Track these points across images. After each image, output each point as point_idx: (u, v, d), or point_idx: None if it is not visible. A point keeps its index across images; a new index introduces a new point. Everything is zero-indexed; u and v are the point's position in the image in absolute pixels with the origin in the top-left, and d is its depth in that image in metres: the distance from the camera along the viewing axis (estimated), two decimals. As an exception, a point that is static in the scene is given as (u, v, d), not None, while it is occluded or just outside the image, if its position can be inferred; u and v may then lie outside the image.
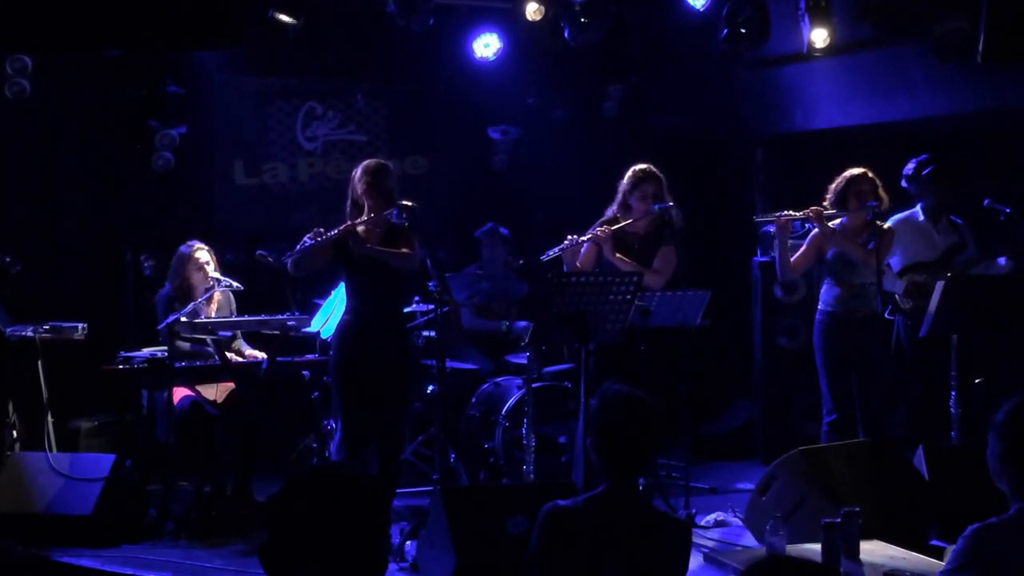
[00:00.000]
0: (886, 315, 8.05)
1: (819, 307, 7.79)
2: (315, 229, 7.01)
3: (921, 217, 8.21)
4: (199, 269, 7.81)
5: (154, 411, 7.68)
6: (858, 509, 5.12)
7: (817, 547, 5.06)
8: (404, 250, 7.10)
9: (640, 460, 4.32)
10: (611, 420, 4.28)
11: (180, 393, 7.66)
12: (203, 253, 7.86)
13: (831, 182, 7.78)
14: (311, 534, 2.86)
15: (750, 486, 8.45)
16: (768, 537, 4.99)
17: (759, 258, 9.60)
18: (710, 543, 6.98)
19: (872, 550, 5.24)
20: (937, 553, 5.66)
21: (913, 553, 5.31)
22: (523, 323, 9.18)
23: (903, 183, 8.26)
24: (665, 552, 4.34)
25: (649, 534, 4.29)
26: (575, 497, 4.43)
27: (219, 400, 7.78)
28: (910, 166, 8.25)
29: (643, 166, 7.58)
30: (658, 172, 7.56)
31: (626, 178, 7.59)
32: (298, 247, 7.03)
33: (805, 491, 6.35)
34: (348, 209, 7.27)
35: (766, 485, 6.61)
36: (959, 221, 8.21)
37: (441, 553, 5.87)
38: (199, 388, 7.76)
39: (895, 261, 8.15)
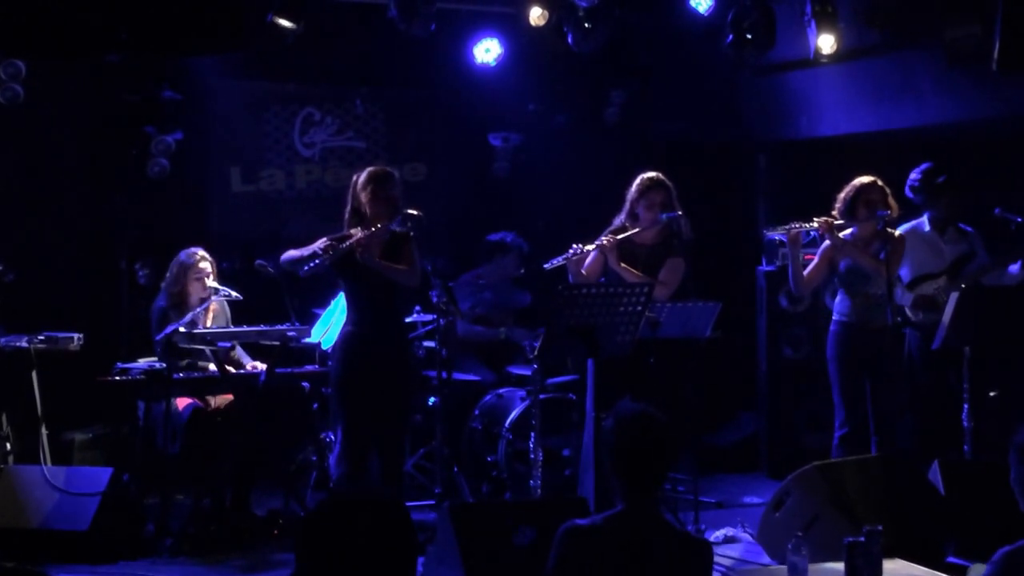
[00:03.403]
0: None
1: (833, 317, 7.67)
2: (327, 242, 6.87)
3: (927, 227, 8.10)
4: (198, 278, 7.66)
5: (152, 423, 7.53)
6: (881, 528, 4.98)
7: (839, 566, 4.94)
8: (407, 266, 7.00)
9: (657, 477, 4.28)
10: (625, 439, 4.24)
11: (183, 401, 7.53)
12: (205, 263, 7.71)
13: (836, 190, 7.68)
14: (339, 565, 2.72)
15: (757, 500, 8.40)
16: (790, 556, 4.84)
17: (764, 267, 9.47)
18: (724, 561, 6.85)
19: (894, 569, 5.10)
20: (956, 571, 5.55)
21: (936, 573, 5.19)
22: (522, 331, 9.05)
23: (908, 193, 8.15)
24: (686, 572, 4.26)
25: (670, 553, 4.24)
26: (593, 516, 4.33)
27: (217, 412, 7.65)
28: (914, 176, 8.14)
29: (651, 174, 7.45)
30: (666, 180, 7.42)
31: (634, 187, 7.46)
32: (312, 264, 6.87)
33: (820, 507, 6.24)
34: (347, 217, 7.15)
35: (779, 501, 6.49)
36: (969, 229, 8.10)
37: (450, 571, 5.74)
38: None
39: (904, 273, 8.03)
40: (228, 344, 7.60)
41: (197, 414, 7.46)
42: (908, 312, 7.98)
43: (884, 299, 7.42)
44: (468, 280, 9.11)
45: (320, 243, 6.93)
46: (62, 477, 7.26)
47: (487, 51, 9.21)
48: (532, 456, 7.00)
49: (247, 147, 9.91)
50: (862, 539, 4.87)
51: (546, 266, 7.28)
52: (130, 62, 8.68)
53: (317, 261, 6.86)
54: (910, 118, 8.94)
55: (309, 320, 8.08)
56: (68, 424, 8.47)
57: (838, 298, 7.67)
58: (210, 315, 7.80)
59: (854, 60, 8.94)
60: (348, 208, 7.16)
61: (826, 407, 7.83)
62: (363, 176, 7.09)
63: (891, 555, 5.22)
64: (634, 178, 7.53)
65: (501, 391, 8.57)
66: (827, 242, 7.55)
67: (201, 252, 7.75)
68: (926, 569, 5.24)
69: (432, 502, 7.73)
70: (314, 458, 8.20)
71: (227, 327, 7.77)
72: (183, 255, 7.73)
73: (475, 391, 8.71)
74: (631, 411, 4.29)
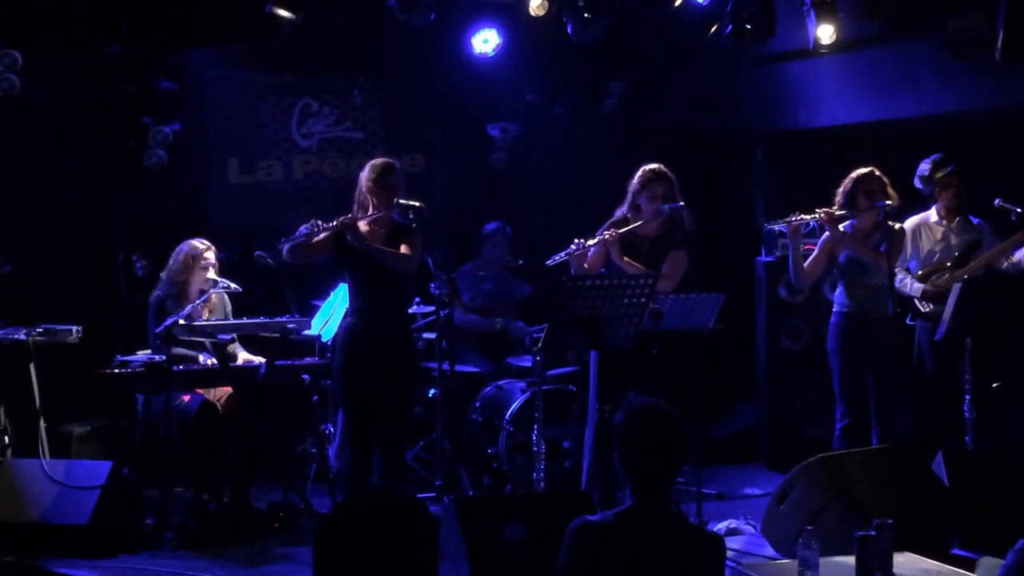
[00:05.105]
0: (908, 320, 7.92)
1: (834, 308, 7.65)
2: (312, 221, 6.91)
3: (935, 218, 8.08)
4: (203, 269, 7.61)
5: (153, 416, 7.47)
6: (891, 521, 4.97)
7: (846, 559, 4.93)
8: (403, 251, 6.99)
9: (669, 473, 4.22)
10: (638, 434, 4.18)
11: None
12: (211, 254, 7.66)
13: (835, 181, 7.64)
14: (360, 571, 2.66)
15: (757, 491, 8.40)
16: (800, 550, 4.84)
17: (763, 258, 9.45)
18: (728, 553, 6.79)
19: (904, 563, 5.10)
20: (960, 563, 5.54)
21: (947, 566, 5.19)
22: (519, 323, 9.04)
23: (916, 183, 8.13)
24: (699, 568, 4.23)
25: (683, 549, 4.19)
26: (603, 512, 4.29)
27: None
28: (924, 166, 8.12)
29: (653, 166, 7.41)
30: (668, 172, 7.38)
31: (635, 178, 7.41)
32: (294, 239, 6.95)
33: (825, 500, 6.22)
34: (355, 209, 7.16)
35: (784, 493, 6.46)
36: (978, 221, 8.07)
37: (455, 565, 5.71)
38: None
39: (913, 264, 8.02)
40: (228, 336, 7.55)
41: (204, 407, 7.40)
42: (917, 303, 7.96)
43: (884, 290, 7.41)
44: (468, 271, 9.11)
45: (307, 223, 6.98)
46: (61, 470, 7.21)
47: (485, 41, 9.16)
48: (535, 448, 6.97)
49: (245, 138, 9.86)
50: (873, 532, 4.87)
51: (548, 262, 7.23)
52: (126, 53, 8.64)
53: (301, 233, 6.90)
54: (909, 108, 8.92)
55: (309, 312, 8.06)
56: (66, 417, 8.42)
57: (838, 289, 7.65)
58: (208, 307, 7.75)
59: (853, 50, 8.92)
60: (356, 203, 7.17)
61: (825, 398, 7.82)
62: (367, 168, 7.13)
63: (900, 548, 5.22)
64: (632, 169, 7.49)
65: (501, 383, 8.53)
66: (827, 233, 7.53)
67: (207, 243, 7.71)
68: (935, 562, 5.24)
69: (432, 494, 7.71)
70: (314, 450, 8.18)
71: (226, 319, 7.72)
72: (186, 245, 7.67)
73: (474, 382, 8.68)
74: (643, 405, 4.23)
